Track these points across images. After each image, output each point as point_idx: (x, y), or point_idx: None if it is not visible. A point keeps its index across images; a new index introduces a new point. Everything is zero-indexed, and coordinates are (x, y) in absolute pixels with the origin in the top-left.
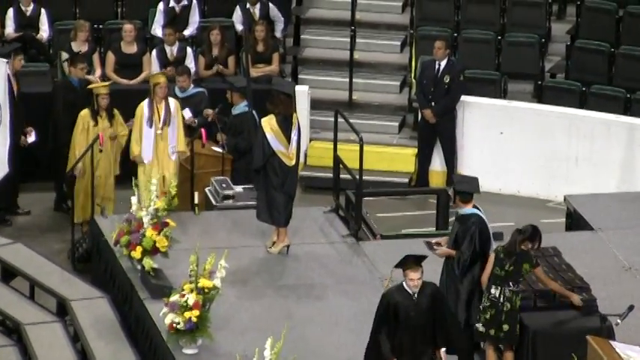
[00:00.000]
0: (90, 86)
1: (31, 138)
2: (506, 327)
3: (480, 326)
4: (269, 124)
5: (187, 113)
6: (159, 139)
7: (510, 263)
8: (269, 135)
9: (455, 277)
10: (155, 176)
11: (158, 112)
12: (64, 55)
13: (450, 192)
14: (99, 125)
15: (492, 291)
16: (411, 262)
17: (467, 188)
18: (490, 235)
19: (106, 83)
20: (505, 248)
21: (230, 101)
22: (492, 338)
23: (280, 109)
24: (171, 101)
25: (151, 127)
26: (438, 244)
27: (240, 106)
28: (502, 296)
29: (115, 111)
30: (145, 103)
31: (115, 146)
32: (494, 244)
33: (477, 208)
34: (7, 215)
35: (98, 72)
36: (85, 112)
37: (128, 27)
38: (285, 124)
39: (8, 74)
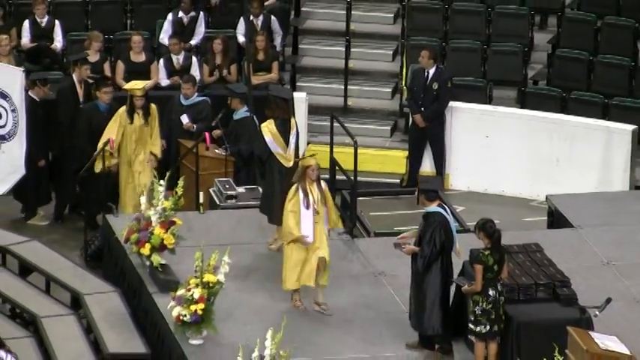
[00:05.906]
0: (125, 86)
1: None
2: (504, 317)
3: (482, 328)
4: (268, 128)
5: (185, 119)
6: (316, 220)
7: (498, 262)
8: (268, 138)
9: (418, 273)
10: (311, 256)
11: (312, 192)
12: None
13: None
14: (135, 123)
15: (490, 293)
16: None
17: (429, 187)
18: (453, 232)
19: (140, 86)
20: (491, 253)
21: (230, 107)
22: (495, 333)
23: (278, 113)
24: (323, 183)
25: (307, 208)
26: (404, 238)
27: (241, 112)
28: (497, 293)
29: (153, 107)
30: (296, 185)
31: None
32: (457, 243)
33: (443, 208)
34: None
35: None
36: (122, 110)
37: (136, 38)
38: (283, 128)
39: (25, 83)
